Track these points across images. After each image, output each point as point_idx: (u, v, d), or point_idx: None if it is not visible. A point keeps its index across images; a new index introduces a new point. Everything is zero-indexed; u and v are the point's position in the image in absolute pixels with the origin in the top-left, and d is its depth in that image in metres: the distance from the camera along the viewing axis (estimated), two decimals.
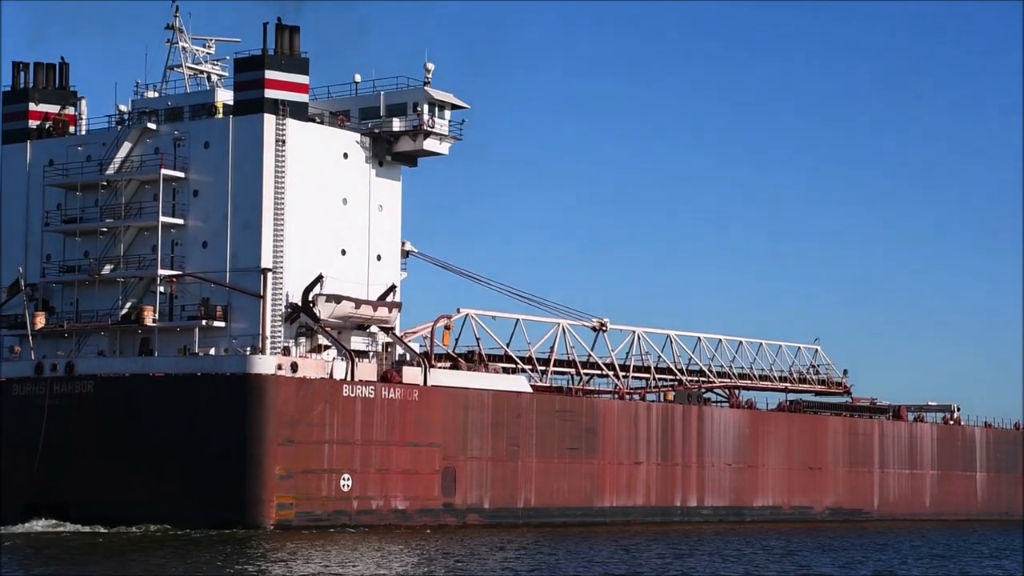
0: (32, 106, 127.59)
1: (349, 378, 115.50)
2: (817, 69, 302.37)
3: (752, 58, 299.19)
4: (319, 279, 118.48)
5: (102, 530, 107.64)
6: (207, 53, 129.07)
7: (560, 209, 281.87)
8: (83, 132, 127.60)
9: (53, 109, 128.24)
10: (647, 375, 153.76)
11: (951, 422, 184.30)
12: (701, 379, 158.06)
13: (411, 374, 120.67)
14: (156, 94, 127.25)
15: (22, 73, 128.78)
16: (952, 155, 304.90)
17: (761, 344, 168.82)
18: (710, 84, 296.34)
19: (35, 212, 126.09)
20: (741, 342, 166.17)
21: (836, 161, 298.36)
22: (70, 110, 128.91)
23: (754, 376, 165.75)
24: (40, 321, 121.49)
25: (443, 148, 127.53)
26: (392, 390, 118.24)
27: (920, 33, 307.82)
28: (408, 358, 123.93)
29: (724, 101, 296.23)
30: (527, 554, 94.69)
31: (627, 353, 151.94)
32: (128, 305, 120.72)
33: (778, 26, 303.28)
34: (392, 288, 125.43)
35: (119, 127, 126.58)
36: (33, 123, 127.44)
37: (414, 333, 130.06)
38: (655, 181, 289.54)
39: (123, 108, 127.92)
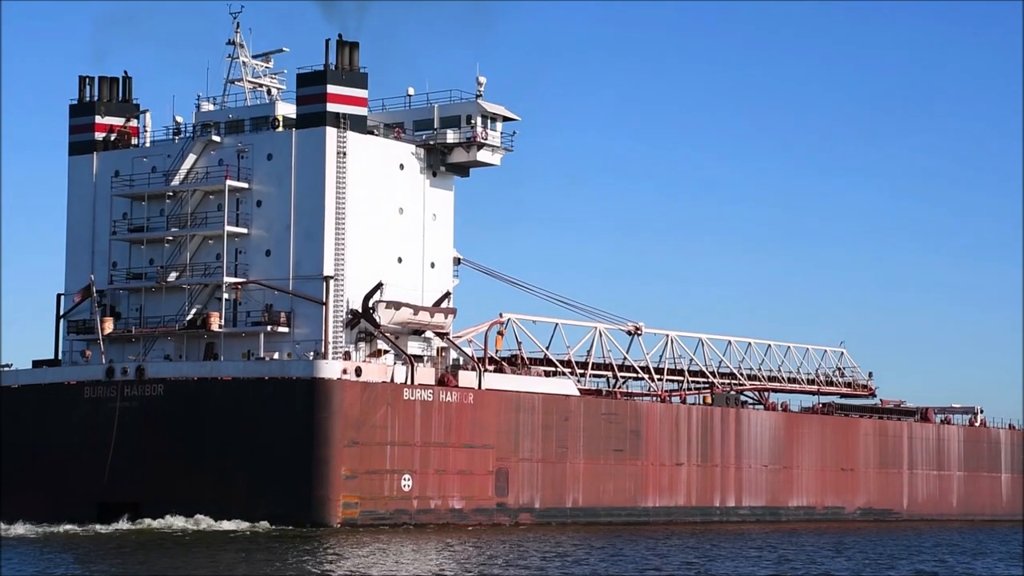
0: (98, 119, 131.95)
1: (409, 382, 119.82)
2: (845, 70, 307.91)
3: (782, 62, 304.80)
4: (379, 286, 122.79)
5: (175, 528, 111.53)
6: (266, 67, 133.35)
7: (597, 218, 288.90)
8: (147, 144, 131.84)
9: (118, 122, 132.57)
10: (680, 378, 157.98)
11: (976, 424, 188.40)
12: (732, 381, 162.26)
13: (466, 378, 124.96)
14: (213, 106, 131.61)
15: (88, 87, 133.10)
16: (980, 157, 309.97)
17: (789, 347, 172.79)
18: (741, 96, 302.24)
19: (101, 221, 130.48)
20: (770, 345, 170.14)
21: (861, 167, 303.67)
22: (133, 122, 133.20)
23: (783, 378, 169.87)
24: (108, 326, 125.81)
25: (495, 159, 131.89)
26: (449, 393, 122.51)
27: (946, 31, 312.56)
28: (462, 362, 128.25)
29: (756, 112, 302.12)
30: (617, 552, 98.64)
31: (661, 356, 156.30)
32: (193, 311, 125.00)
33: (808, 34, 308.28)
34: (447, 295, 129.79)
35: (175, 138, 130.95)
36: (99, 135, 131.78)
37: (459, 337, 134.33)
38: (688, 192, 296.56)
39: (179, 119, 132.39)
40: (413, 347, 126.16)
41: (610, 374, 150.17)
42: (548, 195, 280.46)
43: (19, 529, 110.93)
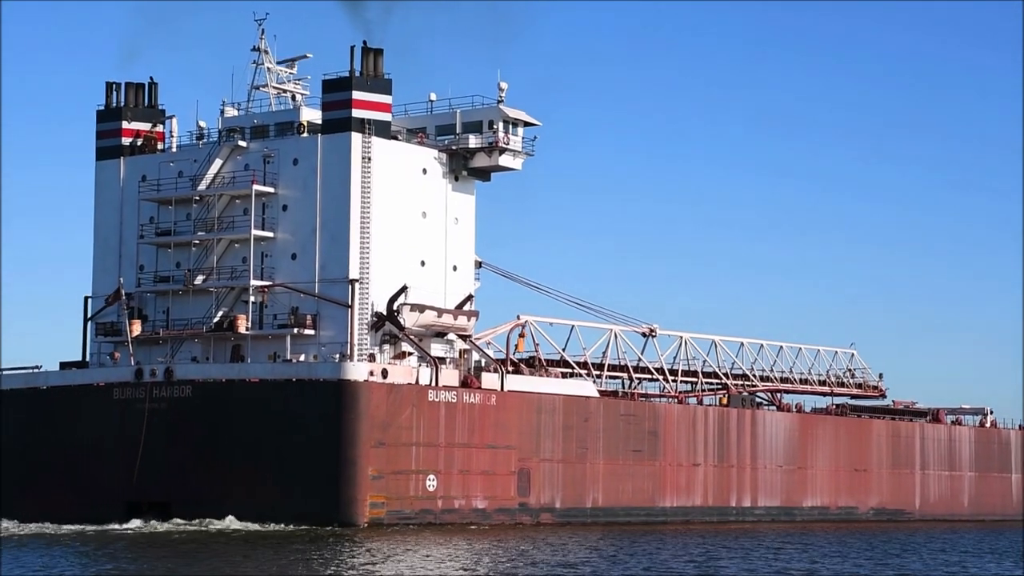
0: (125, 124, 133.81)
1: (434, 384, 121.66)
2: (856, 77, 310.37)
3: (799, 71, 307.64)
4: (404, 289, 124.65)
5: (203, 528, 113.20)
6: (290, 73, 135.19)
7: (612, 221, 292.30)
8: (173, 149, 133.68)
9: (144, 127, 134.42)
10: (694, 379, 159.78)
11: (987, 425, 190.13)
12: (745, 383, 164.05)
13: (489, 380, 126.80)
14: (236, 112, 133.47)
15: (114, 92, 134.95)
16: (988, 157, 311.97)
17: (800, 349, 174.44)
18: (751, 102, 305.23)
19: (128, 225, 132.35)
20: (782, 347, 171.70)
21: (871, 171, 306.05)
22: (159, 127, 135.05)
23: (795, 380, 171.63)
24: (136, 328, 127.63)
25: (516, 163, 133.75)
26: (472, 395, 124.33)
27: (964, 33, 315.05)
28: (483, 364, 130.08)
29: (767, 119, 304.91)
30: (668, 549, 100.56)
31: (675, 357, 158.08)
32: (220, 314, 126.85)
33: (832, 42, 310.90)
34: (469, 297, 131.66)
35: (199, 143, 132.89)
36: (126, 140, 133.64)
37: (478, 339, 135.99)
38: (701, 198, 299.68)
39: (202, 124, 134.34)
40: (436, 349, 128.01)
41: (625, 375, 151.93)
42: (565, 199, 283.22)
43: (47, 528, 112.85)
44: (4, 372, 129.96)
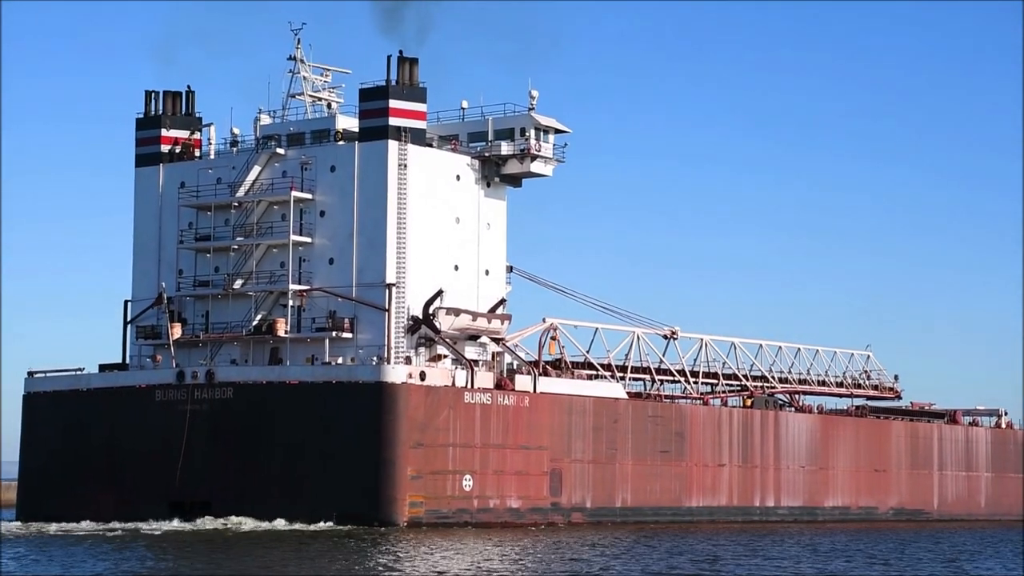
0: (163, 132, 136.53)
1: (470, 386, 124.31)
2: (870, 81, 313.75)
3: (815, 78, 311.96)
4: (439, 293, 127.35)
5: (244, 527, 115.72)
6: (325, 81, 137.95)
7: (634, 226, 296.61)
8: (211, 156, 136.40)
9: (182, 134, 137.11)
10: (715, 380, 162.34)
11: (1003, 426, 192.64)
12: (765, 384, 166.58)
13: (522, 382, 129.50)
14: (270, 119, 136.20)
15: (153, 101, 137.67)
16: (1008, 160, 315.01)
17: (817, 350, 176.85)
18: (769, 108, 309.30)
19: (168, 230, 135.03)
20: (799, 349, 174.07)
21: (887, 174, 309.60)
22: (197, 135, 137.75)
23: (812, 381, 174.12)
24: (177, 332, 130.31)
25: (547, 170, 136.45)
26: (506, 397, 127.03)
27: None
28: (516, 366, 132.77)
29: (785, 124, 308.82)
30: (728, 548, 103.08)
31: (695, 359, 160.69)
32: (259, 317, 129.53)
33: (854, 45, 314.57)
34: (502, 301, 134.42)
35: (233, 149, 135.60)
36: (164, 148, 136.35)
37: (506, 342, 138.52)
38: (719, 202, 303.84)
39: (236, 131, 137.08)
40: (469, 352, 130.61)
41: (648, 377, 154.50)
42: (587, 204, 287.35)
43: (93, 527, 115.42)
44: (47, 375, 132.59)
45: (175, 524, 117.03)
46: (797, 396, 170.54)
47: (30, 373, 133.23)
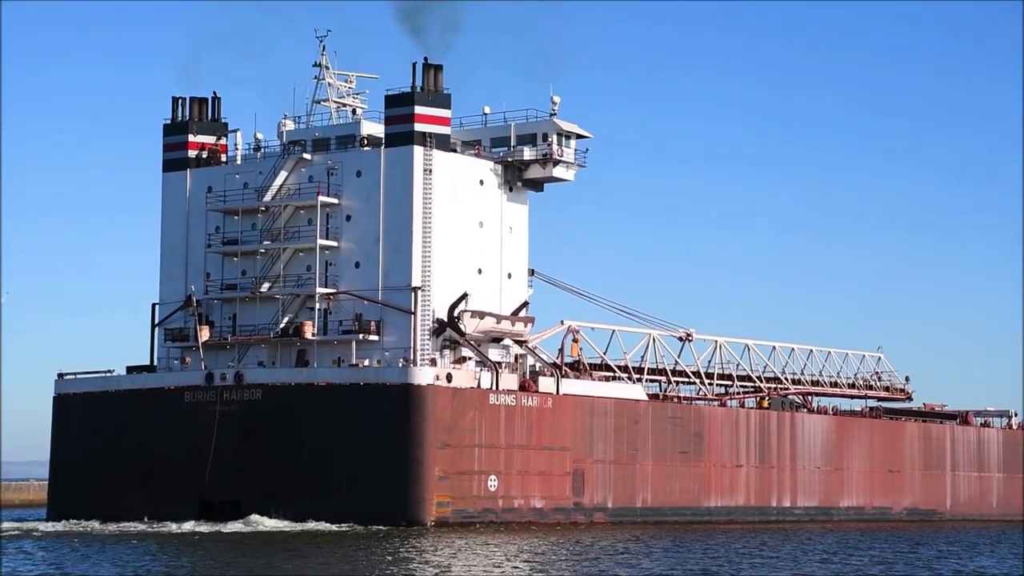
0: (191, 137, 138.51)
1: (495, 387, 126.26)
2: (869, 81, 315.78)
3: (828, 82, 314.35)
4: (464, 296, 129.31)
5: (276, 528, 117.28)
6: (349, 87, 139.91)
7: (651, 231, 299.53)
8: (238, 161, 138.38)
9: (209, 140, 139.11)
10: (729, 382, 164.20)
11: (1014, 427, 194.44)
12: (778, 385, 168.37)
13: (545, 383, 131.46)
14: (294, 125, 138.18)
15: (180, 107, 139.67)
16: (1016, 165, 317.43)
17: (830, 352, 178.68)
18: (779, 111, 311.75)
19: (195, 234, 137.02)
20: (812, 350, 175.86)
21: (896, 177, 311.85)
22: (223, 140, 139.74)
23: (825, 383, 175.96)
24: (205, 334, 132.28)
25: (569, 175, 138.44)
26: (530, 398, 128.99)
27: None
28: (538, 368, 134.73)
29: (797, 128, 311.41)
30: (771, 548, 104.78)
31: (710, 361, 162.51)
32: (286, 320, 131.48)
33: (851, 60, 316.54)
34: (525, 304, 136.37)
35: (257, 154, 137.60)
36: (191, 153, 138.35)
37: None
38: (733, 207, 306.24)
39: (260, 136, 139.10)
40: (493, 354, 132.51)
41: (663, 379, 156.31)
42: (605, 208, 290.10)
43: (125, 527, 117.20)
44: (77, 376, 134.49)
45: (197, 525, 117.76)
46: (810, 397, 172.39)
47: (60, 375, 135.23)
